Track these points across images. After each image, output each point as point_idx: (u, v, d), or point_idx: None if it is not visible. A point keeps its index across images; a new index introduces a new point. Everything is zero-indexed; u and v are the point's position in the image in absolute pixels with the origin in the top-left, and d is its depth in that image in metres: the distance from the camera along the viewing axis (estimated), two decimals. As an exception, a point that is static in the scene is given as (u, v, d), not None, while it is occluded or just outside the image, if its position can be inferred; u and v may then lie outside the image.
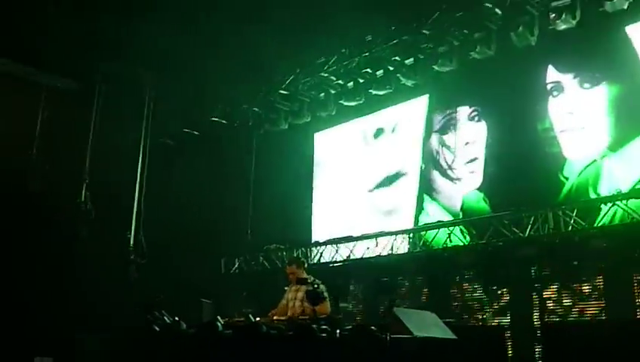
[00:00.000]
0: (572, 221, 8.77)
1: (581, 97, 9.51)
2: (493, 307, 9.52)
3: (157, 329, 6.76)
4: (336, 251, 11.59)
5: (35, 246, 9.61)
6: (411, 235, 10.84)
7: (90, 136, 9.39)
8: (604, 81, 9.25)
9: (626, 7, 8.51)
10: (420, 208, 11.17)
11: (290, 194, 12.67)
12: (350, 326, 5.97)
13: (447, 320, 6.63)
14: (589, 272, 8.73)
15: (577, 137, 9.43)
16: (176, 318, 6.87)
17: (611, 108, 9.12)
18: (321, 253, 11.84)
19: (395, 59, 10.53)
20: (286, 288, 7.68)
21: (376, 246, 10.98)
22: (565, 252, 8.88)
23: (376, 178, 12.00)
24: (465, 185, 10.61)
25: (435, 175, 11.10)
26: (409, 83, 10.71)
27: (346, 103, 11.50)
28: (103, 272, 9.14)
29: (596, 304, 8.57)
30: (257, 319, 6.67)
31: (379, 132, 12.24)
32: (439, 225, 10.48)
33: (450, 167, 10.91)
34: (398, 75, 10.59)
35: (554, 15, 8.84)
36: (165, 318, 6.91)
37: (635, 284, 8.25)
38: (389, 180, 11.79)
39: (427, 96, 11.49)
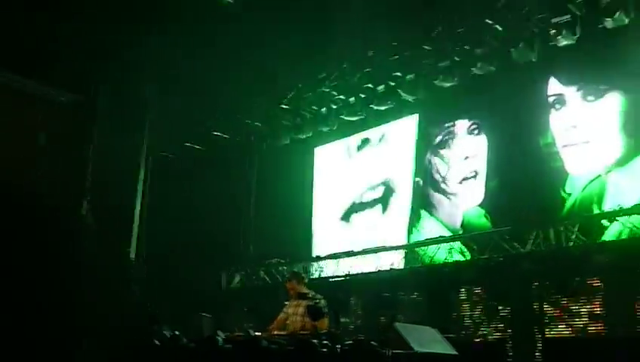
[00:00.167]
0: (574, 236, 8.70)
1: (585, 110, 9.22)
2: (494, 322, 9.47)
3: (157, 343, 6.74)
4: (337, 266, 11.56)
5: (34, 261, 9.58)
6: (406, 251, 10.80)
7: (91, 149, 9.40)
8: (609, 93, 8.95)
9: (626, 22, 8.35)
10: (413, 223, 11.07)
11: (291, 208, 12.67)
12: (351, 341, 5.95)
13: (448, 335, 6.60)
14: (590, 288, 8.65)
15: (581, 151, 9.18)
16: (177, 332, 6.86)
17: (617, 121, 8.85)
18: (322, 268, 11.82)
19: (396, 75, 10.58)
20: (286, 303, 7.66)
21: (379, 260, 10.94)
22: (567, 267, 8.80)
23: (364, 191, 11.99)
24: (463, 200, 10.48)
25: (431, 190, 10.99)
26: (410, 98, 10.73)
27: (347, 118, 11.54)
28: (103, 286, 9.11)
29: (597, 320, 8.51)
30: (257, 333, 6.65)
31: (364, 143, 12.26)
32: (440, 240, 10.43)
33: (444, 181, 10.79)
34: (399, 90, 10.62)
35: (554, 31, 8.83)
36: (165, 332, 6.89)
37: (637, 300, 8.20)
38: (377, 196, 11.78)
39: (417, 115, 11.43)
